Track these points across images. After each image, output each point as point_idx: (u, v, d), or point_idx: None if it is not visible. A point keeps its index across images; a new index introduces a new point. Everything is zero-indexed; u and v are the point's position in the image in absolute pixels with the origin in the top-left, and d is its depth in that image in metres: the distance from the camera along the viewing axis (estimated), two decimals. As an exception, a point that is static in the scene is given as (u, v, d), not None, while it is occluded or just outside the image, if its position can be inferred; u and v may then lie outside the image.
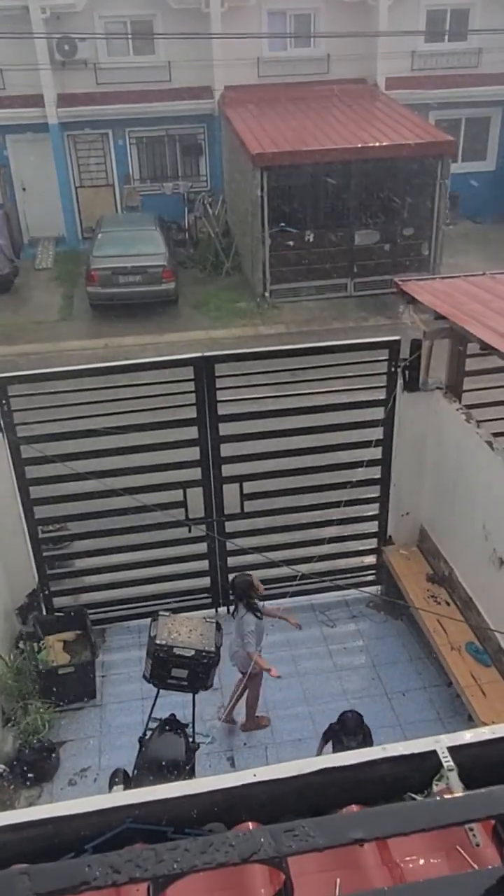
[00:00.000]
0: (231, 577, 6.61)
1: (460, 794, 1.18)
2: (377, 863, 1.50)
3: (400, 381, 6.91)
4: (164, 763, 5.24)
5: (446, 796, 1.69)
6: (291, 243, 15.67)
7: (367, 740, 5.52)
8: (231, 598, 6.52)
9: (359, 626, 7.64)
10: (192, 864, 0.83)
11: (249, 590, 6.11)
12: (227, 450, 7.03)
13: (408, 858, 1.50)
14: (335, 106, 17.49)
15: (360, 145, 15.05)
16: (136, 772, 5.36)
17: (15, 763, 6.18)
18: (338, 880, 1.61)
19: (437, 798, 1.00)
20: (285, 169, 14.99)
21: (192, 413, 6.82)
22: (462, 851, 1.45)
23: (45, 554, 7.26)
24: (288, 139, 15.43)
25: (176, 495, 7.07)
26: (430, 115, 18.80)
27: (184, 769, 5.19)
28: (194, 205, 18.30)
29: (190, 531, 7.11)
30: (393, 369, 6.88)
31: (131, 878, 0.80)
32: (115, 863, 0.80)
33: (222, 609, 7.71)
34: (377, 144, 15.03)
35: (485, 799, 0.97)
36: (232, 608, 6.42)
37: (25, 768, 6.14)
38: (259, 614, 6.12)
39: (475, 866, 1.40)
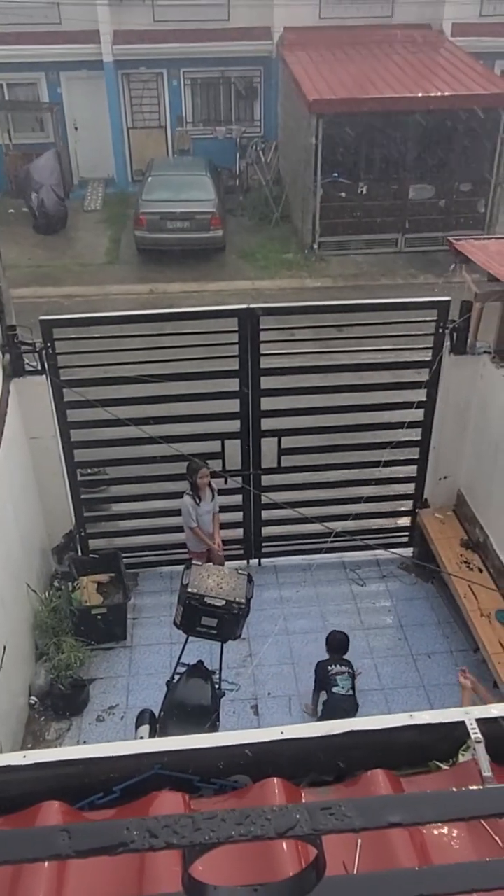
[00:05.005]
0: None
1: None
2: (400, 831, 1.52)
3: (447, 343, 6.78)
4: (190, 707, 5.35)
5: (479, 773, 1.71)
6: (343, 194, 15.30)
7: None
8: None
9: (388, 587, 7.66)
10: (228, 834, 0.84)
11: (192, 474, 6.60)
12: (267, 403, 7.01)
13: (433, 830, 1.52)
14: (397, 52, 16.84)
15: (420, 95, 14.53)
16: (162, 713, 5.49)
17: (47, 696, 6.41)
18: (358, 841, 1.64)
19: (482, 787, 0.99)
20: (341, 117, 14.54)
21: (234, 365, 6.79)
22: (489, 829, 1.47)
23: (82, 496, 7.37)
24: (346, 86, 14.95)
25: (214, 446, 7.10)
26: (497, 65, 18.03)
27: (210, 715, 5.30)
28: (246, 151, 17.93)
29: (226, 482, 7.16)
30: (441, 330, 6.75)
31: (168, 843, 0.81)
32: (152, 827, 0.82)
33: (254, 561, 7.80)
34: (437, 94, 14.49)
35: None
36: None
37: (56, 702, 6.36)
38: (197, 500, 6.68)
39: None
